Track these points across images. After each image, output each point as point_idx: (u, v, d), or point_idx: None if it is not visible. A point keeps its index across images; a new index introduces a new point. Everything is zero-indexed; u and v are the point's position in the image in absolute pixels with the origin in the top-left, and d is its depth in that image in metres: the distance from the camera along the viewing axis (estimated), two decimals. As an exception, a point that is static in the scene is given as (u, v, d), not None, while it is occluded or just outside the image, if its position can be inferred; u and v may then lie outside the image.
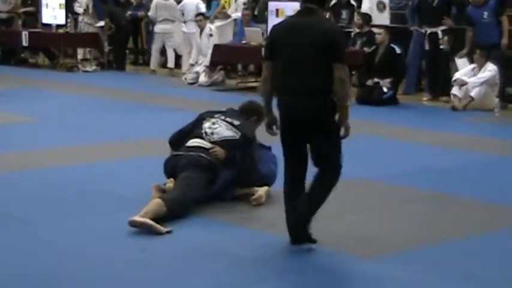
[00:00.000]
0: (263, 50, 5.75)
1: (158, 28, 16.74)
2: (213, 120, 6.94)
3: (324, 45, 5.32)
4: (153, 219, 5.85)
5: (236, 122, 6.90)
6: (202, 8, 15.98)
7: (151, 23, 17.92)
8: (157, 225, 5.82)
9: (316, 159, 5.50)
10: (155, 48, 16.99)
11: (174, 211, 6.09)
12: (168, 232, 5.79)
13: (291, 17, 5.91)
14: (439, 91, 13.17)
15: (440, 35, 13.21)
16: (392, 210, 6.60)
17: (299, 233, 5.51)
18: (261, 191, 6.69)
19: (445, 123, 10.75)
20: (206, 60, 14.78)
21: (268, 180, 6.84)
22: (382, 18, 14.55)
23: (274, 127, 5.61)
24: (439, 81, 13.17)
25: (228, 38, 15.78)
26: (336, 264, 5.34)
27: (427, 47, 13.33)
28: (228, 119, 6.93)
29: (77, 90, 14.07)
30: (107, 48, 17.33)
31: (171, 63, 16.89)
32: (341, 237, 5.88)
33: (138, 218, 5.84)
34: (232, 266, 5.25)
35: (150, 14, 17.02)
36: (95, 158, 8.36)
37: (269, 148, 7.02)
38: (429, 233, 6.05)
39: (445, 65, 13.19)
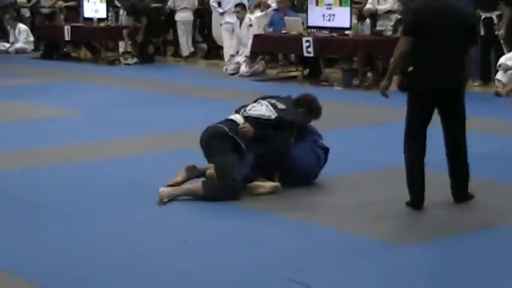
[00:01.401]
0: (403, 26, 6.31)
1: (178, 16, 17.41)
2: (262, 101, 6.98)
3: (466, 27, 6.06)
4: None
5: (281, 106, 6.91)
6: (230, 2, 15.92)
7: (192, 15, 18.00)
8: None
9: (455, 127, 6.15)
10: (181, 36, 17.54)
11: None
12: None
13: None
14: (491, 77, 12.88)
15: (495, 20, 12.99)
16: (433, 198, 6.52)
17: (466, 193, 6.22)
18: (268, 184, 6.63)
19: (485, 109, 10.60)
20: (246, 51, 14.75)
21: (300, 175, 6.77)
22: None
23: (387, 92, 6.24)
24: (492, 67, 12.87)
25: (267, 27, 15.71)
26: (379, 252, 5.29)
27: (482, 33, 13.07)
28: (275, 102, 6.95)
29: (119, 83, 14.17)
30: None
31: (185, 51, 17.43)
32: (387, 225, 5.85)
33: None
34: (273, 256, 5.23)
35: (169, 3, 17.50)
36: (137, 150, 8.40)
37: (325, 149, 6.97)
38: (475, 219, 5.99)
39: (500, 50, 12.92)
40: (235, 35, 15.25)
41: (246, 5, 15.67)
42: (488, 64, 13.04)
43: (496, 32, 12.88)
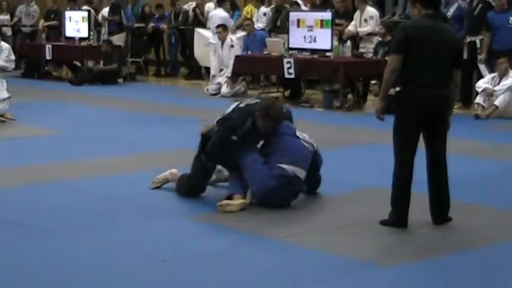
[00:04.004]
0: (394, 44, 6.29)
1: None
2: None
3: (454, 49, 6.22)
4: None
5: (241, 105, 7.12)
6: (227, 20, 15.94)
7: (174, 34, 18.07)
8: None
9: (439, 145, 6.21)
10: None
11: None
12: None
13: (419, 19, 6.28)
14: (471, 100, 12.95)
15: (478, 44, 13.11)
16: (414, 219, 6.54)
17: (446, 215, 6.28)
18: (237, 202, 6.68)
19: (467, 132, 10.68)
20: (228, 71, 14.80)
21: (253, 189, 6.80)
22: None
23: (382, 116, 6.26)
24: (473, 90, 12.94)
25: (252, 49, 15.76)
26: (359, 272, 5.30)
27: (465, 56, 13.20)
28: (241, 104, 7.16)
29: (100, 102, 14.14)
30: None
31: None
32: (367, 246, 5.87)
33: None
34: (253, 275, 5.23)
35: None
36: (117, 170, 8.39)
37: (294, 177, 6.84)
38: (454, 241, 6.00)
39: (481, 74, 13.02)
40: (217, 55, 15.30)
41: (230, 25, 15.74)
42: (470, 87, 13.15)
43: (479, 57, 13.01)
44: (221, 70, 15.22)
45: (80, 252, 5.67)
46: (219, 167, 7.20)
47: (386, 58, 13.33)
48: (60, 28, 19.12)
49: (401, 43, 6.14)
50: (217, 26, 15.31)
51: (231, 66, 14.67)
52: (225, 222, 6.41)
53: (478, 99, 12.28)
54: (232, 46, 14.96)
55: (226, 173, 7.17)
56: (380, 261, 5.55)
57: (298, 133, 7.04)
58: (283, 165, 6.74)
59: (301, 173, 6.82)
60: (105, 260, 5.49)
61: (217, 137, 6.91)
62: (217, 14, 16.08)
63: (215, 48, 15.49)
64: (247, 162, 6.77)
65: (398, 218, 6.19)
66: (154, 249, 5.73)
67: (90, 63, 17.60)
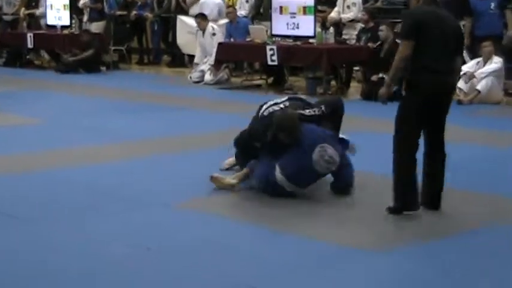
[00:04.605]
0: (404, 30, 6.21)
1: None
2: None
3: (459, 36, 6.34)
4: None
5: (265, 113, 7.18)
6: (222, 6, 15.91)
7: (156, 22, 18.01)
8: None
9: (440, 133, 6.27)
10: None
11: None
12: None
13: (421, 6, 6.29)
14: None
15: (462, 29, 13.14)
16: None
17: (439, 200, 6.29)
18: (226, 181, 6.96)
19: (451, 118, 10.67)
20: (211, 59, 14.77)
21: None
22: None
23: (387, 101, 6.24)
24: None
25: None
26: (349, 259, 5.32)
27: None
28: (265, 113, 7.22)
29: (83, 91, 14.08)
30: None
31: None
32: (356, 233, 5.89)
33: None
34: (239, 264, 5.23)
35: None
36: (100, 158, 8.36)
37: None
38: (440, 226, 6.02)
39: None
40: (199, 44, 15.27)
41: (223, 12, 15.72)
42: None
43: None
44: (205, 57, 15.19)
45: (64, 242, 5.65)
46: None
47: (369, 44, 13.43)
48: (36, 17, 18.98)
49: (411, 29, 6.07)
50: (196, 16, 15.28)
51: (214, 54, 14.64)
52: (211, 211, 6.40)
53: (460, 84, 12.30)
54: (214, 34, 14.92)
55: None
56: (367, 247, 5.56)
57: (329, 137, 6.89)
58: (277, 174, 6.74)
59: (290, 187, 6.78)
60: (89, 250, 5.48)
61: (242, 139, 7.27)
62: (213, 1, 16.07)
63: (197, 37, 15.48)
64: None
65: (404, 201, 6.15)
66: (139, 239, 5.72)
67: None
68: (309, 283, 4.89)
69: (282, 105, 7.15)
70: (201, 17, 15.13)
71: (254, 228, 6.04)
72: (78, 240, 5.68)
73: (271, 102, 7.27)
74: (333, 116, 7.17)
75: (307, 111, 7.11)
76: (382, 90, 6.29)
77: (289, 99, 7.32)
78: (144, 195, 6.88)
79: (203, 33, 15.05)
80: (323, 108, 7.16)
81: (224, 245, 5.62)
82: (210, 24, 15.11)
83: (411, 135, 6.16)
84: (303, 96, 7.40)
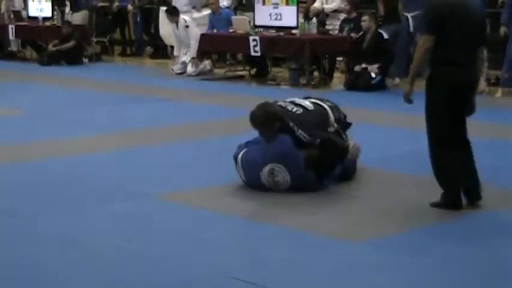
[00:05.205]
0: (425, 23, 6.06)
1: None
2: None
3: (481, 27, 6.17)
4: None
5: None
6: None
7: (139, 13, 17.95)
8: None
9: (463, 123, 6.10)
10: None
11: None
12: None
13: None
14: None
15: None
16: (382, 195, 6.58)
17: (478, 192, 6.17)
18: None
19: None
20: (192, 51, 14.71)
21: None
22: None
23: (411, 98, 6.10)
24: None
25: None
26: (327, 250, 5.32)
27: (411, 30, 13.41)
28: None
29: (65, 82, 14.02)
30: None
31: None
32: (336, 222, 5.89)
33: None
34: (218, 254, 5.22)
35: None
36: (82, 150, 8.32)
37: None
38: (419, 217, 6.03)
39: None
40: (175, 36, 15.21)
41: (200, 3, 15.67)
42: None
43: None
44: (184, 48, 15.14)
45: (43, 234, 5.62)
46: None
47: (352, 35, 13.42)
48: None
49: (433, 22, 5.96)
50: (166, 11, 15.22)
51: (193, 46, 14.59)
52: (192, 202, 6.39)
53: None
54: (187, 26, 14.85)
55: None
56: (346, 237, 5.57)
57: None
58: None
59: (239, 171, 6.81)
60: (69, 241, 5.45)
61: None
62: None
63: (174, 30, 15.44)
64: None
65: (453, 200, 6.07)
66: (120, 230, 5.70)
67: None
68: (290, 273, 4.88)
69: (295, 109, 6.83)
70: (168, 13, 15.06)
71: (235, 219, 6.03)
72: (58, 231, 5.66)
73: (296, 100, 7.02)
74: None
75: (299, 131, 6.68)
76: (406, 89, 6.13)
77: (306, 110, 6.89)
78: (125, 186, 6.86)
79: (177, 26, 14.99)
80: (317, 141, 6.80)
81: (205, 236, 5.61)
82: (182, 16, 15.01)
83: (444, 130, 6.02)
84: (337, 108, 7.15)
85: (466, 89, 6.04)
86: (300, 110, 6.84)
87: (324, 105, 7.05)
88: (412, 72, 6.13)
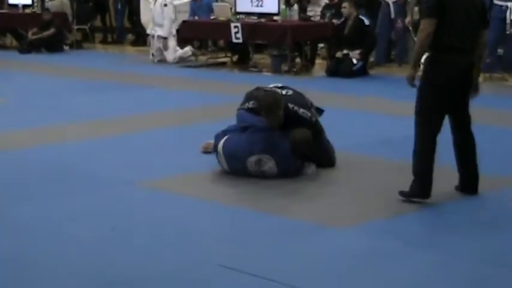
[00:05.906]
0: (427, 8, 6.00)
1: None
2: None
3: (483, 11, 6.14)
4: None
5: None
6: None
7: (120, 0, 17.87)
8: None
9: (466, 115, 6.15)
10: None
11: None
12: None
13: None
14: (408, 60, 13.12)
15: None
16: (363, 180, 6.61)
17: (477, 182, 6.22)
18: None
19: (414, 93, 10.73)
20: (164, 31, 14.63)
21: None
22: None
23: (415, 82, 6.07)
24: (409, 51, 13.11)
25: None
26: (309, 235, 5.34)
27: (392, 16, 13.44)
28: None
29: (46, 70, 13.95)
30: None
31: None
32: (320, 209, 5.91)
33: None
34: (204, 242, 5.23)
35: None
36: (64, 138, 8.30)
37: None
38: (399, 202, 6.06)
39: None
40: (150, 12, 15.11)
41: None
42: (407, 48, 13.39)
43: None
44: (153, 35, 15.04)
45: (26, 223, 5.61)
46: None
47: (334, 21, 13.42)
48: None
49: (435, 6, 5.92)
50: None
51: (166, 26, 14.54)
52: (176, 190, 6.39)
53: (424, 60, 12.32)
54: (165, 5, 14.75)
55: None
56: (331, 223, 5.60)
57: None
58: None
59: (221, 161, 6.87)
60: (52, 230, 5.45)
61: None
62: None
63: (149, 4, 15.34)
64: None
65: (423, 189, 6.02)
66: (103, 218, 5.70)
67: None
68: (279, 260, 4.90)
69: (284, 92, 6.95)
70: None
71: (218, 206, 6.04)
72: (41, 220, 5.65)
73: (279, 85, 7.12)
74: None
75: (301, 110, 6.85)
76: (408, 73, 6.08)
77: (294, 91, 7.06)
78: (108, 174, 6.85)
79: (155, 1, 14.89)
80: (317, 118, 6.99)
81: (189, 224, 5.62)
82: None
83: (434, 119, 6.01)
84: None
85: (464, 75, 6.02)
86: (290, 92, 6.95)
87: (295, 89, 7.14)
88: (414, 58, 6.12)
